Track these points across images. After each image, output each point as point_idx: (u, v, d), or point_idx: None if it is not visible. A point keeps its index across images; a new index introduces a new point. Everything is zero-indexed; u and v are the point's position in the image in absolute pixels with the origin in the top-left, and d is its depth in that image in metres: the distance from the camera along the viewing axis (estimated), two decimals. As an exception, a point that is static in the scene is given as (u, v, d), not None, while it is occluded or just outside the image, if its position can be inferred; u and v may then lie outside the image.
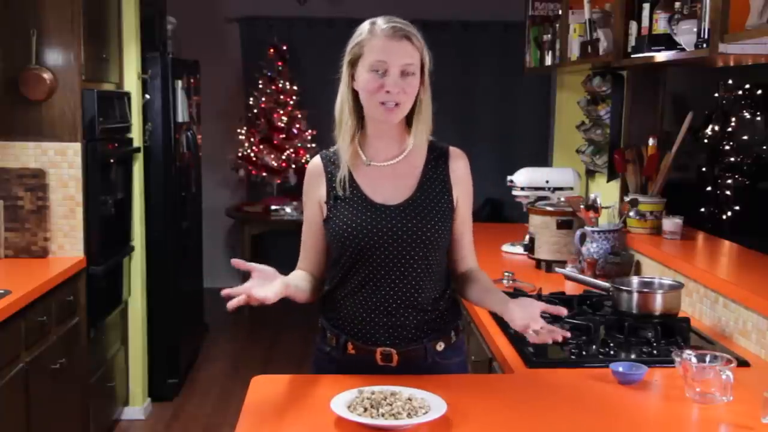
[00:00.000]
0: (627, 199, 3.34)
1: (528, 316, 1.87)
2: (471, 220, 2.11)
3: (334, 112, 2.03)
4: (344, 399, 1.75)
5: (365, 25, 1.96)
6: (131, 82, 4.14)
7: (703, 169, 6.26)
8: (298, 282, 2.02)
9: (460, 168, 2.06)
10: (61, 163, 3.53)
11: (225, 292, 1.77)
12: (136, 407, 4.28)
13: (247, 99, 6.76)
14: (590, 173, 4.07)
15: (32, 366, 2.98)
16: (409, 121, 2.00)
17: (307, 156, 6.51)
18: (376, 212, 1.97)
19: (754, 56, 2.42)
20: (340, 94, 2.00)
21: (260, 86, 6.64)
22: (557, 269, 3.16)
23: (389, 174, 2.01)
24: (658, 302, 2.42)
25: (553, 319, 2.46)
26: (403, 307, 1.98)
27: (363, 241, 1.95)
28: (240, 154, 6.61)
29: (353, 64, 1.96)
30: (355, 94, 1.98)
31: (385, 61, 1.90)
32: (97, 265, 3.63)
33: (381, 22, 1.95)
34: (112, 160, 3.83)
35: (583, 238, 3.17)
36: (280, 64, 6.65)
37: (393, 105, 1.91)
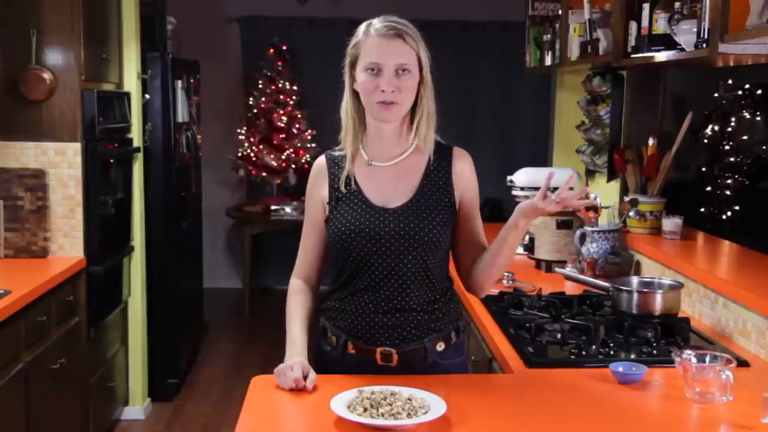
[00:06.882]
0: (627, 199, 3.34)
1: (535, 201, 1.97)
2: (479, 216, 2.10)
3: (338, 113, 2.05)
4: (344, 399, 1.75)
5: (362, 27, 1.99)
6: (131, 82, 4.14)
7: (703, 169, 6.25)
8: (306, 324, 2.07)
9: (463, 169, 2.05)
10: (61, 163, 3.53)
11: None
12: (136, 407, 4.28)
13: (247, 99, 6.76)
14: (590, 173, 4.07)
15: (32, 366, 2.98)
16: (411, 120, 2.01)
17: (307, 156, 6.51)
18: (375, 214, 1.97)
19: (754, 56, 2.41)
20: (344, 95, 2.02)
21: (260, 86, 6.64)
22: (557, 269, 3.16)
23: (391, 175, 2.02)
24: (658, 302, 2.42)
25: (553, 319, 2.47)
26: (402, 308, 1.98)
27: (361, 244, 1.95)
28: (240, 154, 6.61)
29: (353, 65, 1.98)
30: (357, 95, 1.99)
31: (378, 61, 1.92)
32: (97, 265, 3.63)
33: (376, 22, 1.97)
34: (112, 160, 3.83)
35: (583, 238, 3.17)
36: (280, 64, 6.65)
37: (389, 104, 1.92)
